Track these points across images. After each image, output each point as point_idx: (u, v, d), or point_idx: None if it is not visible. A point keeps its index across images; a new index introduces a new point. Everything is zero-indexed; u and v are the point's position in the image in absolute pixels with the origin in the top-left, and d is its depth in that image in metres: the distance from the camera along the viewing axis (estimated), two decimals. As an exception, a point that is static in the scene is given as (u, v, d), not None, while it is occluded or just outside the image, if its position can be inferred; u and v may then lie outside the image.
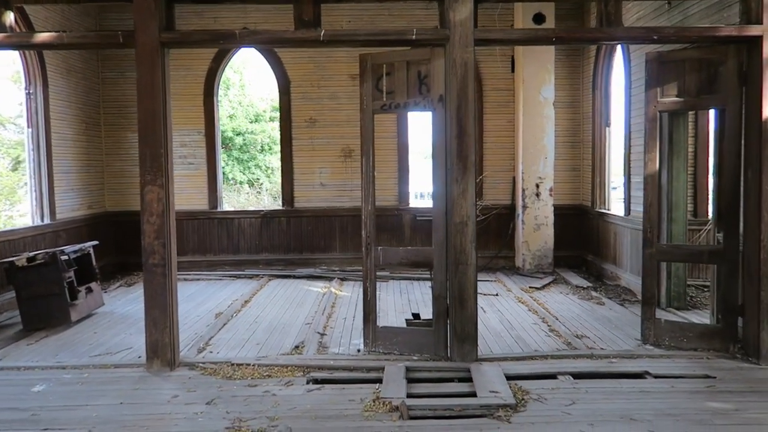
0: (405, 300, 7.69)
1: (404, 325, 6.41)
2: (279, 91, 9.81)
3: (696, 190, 7.71)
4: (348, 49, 9.35)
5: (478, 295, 5.26)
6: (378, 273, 9.26)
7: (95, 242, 7.38)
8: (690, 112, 6.98)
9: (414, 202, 11.30)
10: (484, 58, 9.35)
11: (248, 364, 5.09)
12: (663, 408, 4.13)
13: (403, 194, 9.84)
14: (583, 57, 9.59)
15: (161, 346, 5.04)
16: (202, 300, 7.77)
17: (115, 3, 7.72)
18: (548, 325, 6.29)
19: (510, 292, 8.02)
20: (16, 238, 7.46)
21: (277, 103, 30.16)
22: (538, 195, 9.25)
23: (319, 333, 6.12)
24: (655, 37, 4.97)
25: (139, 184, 5.01)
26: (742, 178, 5.21)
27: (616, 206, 9.13)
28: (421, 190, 17.63)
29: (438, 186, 5.25)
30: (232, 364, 5.10)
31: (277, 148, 29.87)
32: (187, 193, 9.59)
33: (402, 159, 9.82)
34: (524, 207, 9.28)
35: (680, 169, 6.80)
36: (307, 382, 4.75)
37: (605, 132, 9.02)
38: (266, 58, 9.75)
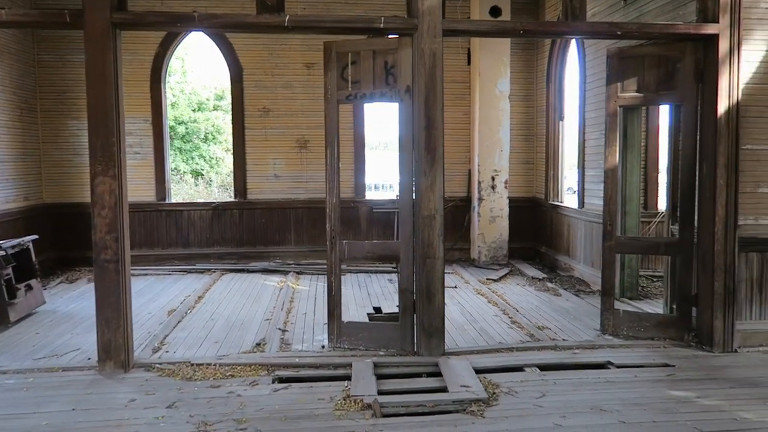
0: (364, 293, 7.59)
1: (365, 320, 6.32)
2: (231, 79, 9.47)
3: (647, 183, 7.95)
4: (303, 36, 9.20)
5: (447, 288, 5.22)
6: (335, 266, 9.16)
7: (35, 236, 6.91)
8: (642, 108, 7.17)
9: (370, 194, 11.20)
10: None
11: (209, 364, 4.87)
12: (629, 398, 4.21)
13: (359, 186, 9.71)
14: (537, 51, 9.71)
15: (114, 347, 4.76)
16: (152, 296, 7.43)
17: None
18: (509, 317, 6.34)
19: (468, 284, 8.05)
20: (-55, 232, 6.91)
21: (221, 92, 29.25)
22: (493, 187, 9.33)
23: (280, 329, 5.94)
24: (619, 33, 5.04)
25: (89, 175, 4.68)
26: (697, 173, 5.37)
27: (569, 199, 9.31)
28: (376, 181, 17.57)
29: (405, 178, 5.17)
30: (192, 364, 4.87)
31: (222, 137, 29.04)
32: (133, 184, 9.06)
33: (358, 151, 9.69)
34: (480, 199, 9.34)
35: (634, 163, 6.98)
36: (273, 381, 4.59)
37: (559, 125, 9.17)
38: (217, 44, 9.38)
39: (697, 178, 5.35)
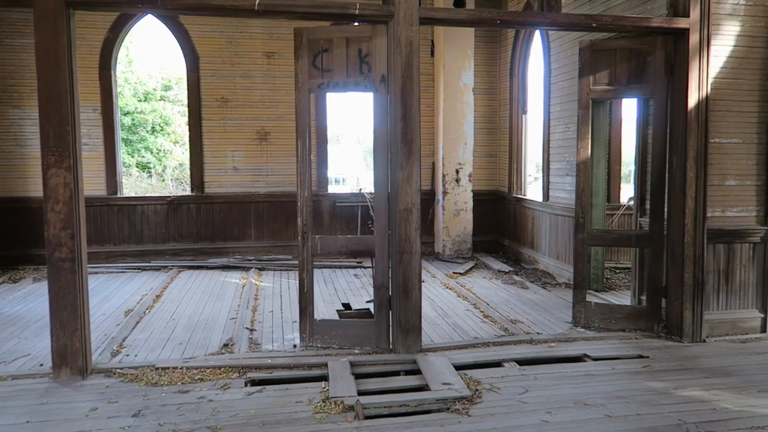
0: (331, 289, 7.40)
1: (335, 316, 6.16)
2: (186, 68, 9.05)
3: (609, 176, 8.06)
4: (264, 24, 8.90)
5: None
6: (296, 262, 8.93)
7: (-25, 234, 6.39)
8: (607, 102, 7.23)
9: (332, 188, 10.98)
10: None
11: (175, 368, 4.59)
12: (610, 391, 4.20)
13: (322, 179, 9.48)
14: (500, 44, 9.70)
15: (71, 352, 4.42)
16: (106, 295, 7.01)
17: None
18: (481, 311, 6.29)
19: (435, 278, 7.98)
20: None
21: (168, 82, 28.20)
22: (458, 181, 9.28)
23: (247, 328, 5.69)
24: (594, 25, 5.02)
25: (41, 167, 4.31)
26: (666, 166, 5.43)
27: (533, 192, 9.36)
28: (337, 175, 17.34)
29: (380, 171, 5.01)
30: (156, 368, 4.58)
31: (170, 128, 28.00)
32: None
33: (320, 143, 9.46)
34: (444, 193, 9.27)
35: (600, 157, 7.04)
36: (245, 384, 4.36)
37: (522, 119, 9.19)
38: (172, 31, 8.94)
39: (667, 171, 5.41)
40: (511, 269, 8.41)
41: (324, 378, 4.44)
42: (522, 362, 4.80)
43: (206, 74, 9.02)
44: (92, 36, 8.58)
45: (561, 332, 5.56)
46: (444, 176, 9.25)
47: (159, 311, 6.35)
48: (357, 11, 4.67)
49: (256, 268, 8.56)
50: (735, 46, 5.25)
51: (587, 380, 4.40)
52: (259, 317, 6.13)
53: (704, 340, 5.30)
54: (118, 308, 6.47)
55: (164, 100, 27.90)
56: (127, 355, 4.97)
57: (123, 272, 8.33)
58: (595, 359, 4.87)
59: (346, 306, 6.62)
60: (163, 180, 22.70)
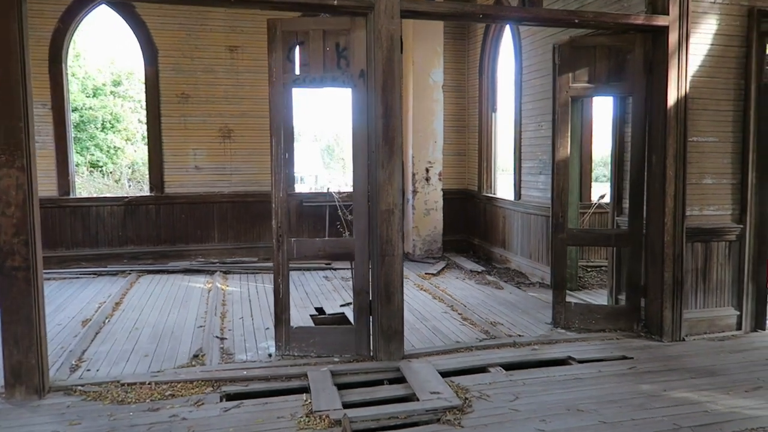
0: (302, 293, 7.14)
1: (309, 322, 5.92)
2: (144, 62, 8.59)
3: (582, 175, 8.05)
4: (226, 17, 8.55)
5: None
6: (267, 264, 8.63)
7: None
8: (581, 100, 7.21)
9: (298, 187, 10.67)
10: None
11: (143, 383, 4.27)
12: (601, 395, 4.11)
13: (288, 179, 9.13)
14: (469, 41, 9.61)
15: (26, 369, 4.04)
16: (60, 304, 6.55)
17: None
18: (459, 314, 6.15)
19: (408, 279, 7.80)
20: None
21: (119, 77, 27.13)
22: (427, 180, 9.14)
23: (218, 337, 5.38)
24: (576, 21, 4.94)
25: (-9, 166, 3.91)
26: (645, 165, 5.40)
27: (504, 190, 9.30)
28: (295, 173, 16.96)
29: (359, 170, 4.79)
30: (122, 384, 4.24)
31: (121, 126, 26.97)
32: (30, 178, 8.08)
33: (286, 140, 9.10)
34: (414, 192, 9.12)
35: (574, 155, 6.99)
36: (221, 399, 4.08)
37: (492, 117, 9.12)
38: (127, 22, 8.47)
39: (646, 169, 5.38)
40: (484, 269, 8.32)
41: (305, 390, 4.20)
42: (508, 366, 4.67)
43: (165, 68, 8.59)
44: (41, 26, 8.04)
45: (542, 334, 5.46)
46: (414, 175, 9.09)
47: (120, 320, 5.96)
48: (336, 2, 4.44)
49: (221, 271, 8.21)
50: (712, 44, 5.26)
51: (576, 384, 4.31)
52: (229, 324, 5.83)
53: (684, 339, 5.29)
54: (74, 318, 6.04)
55: (115, 96, 26.86)
56: (88, 370, 4.60)
57: (78, 278, 7.84)
58: (581, 362, 4.79)
59: (320, 310, 6.38)
60: (118, 180, 21.77)
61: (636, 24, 5.08)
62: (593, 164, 9.21)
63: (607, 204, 7.92)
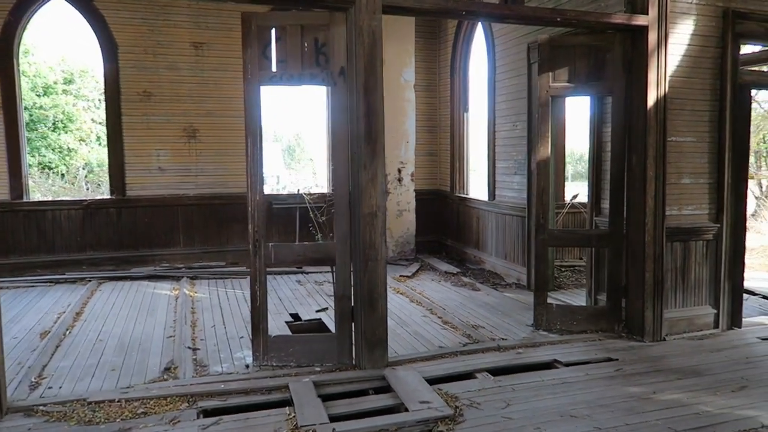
0: (275, 299, 6.89)
1: (285, 329, 5.70)
2: (103, 58, 8.16)
3: (555, 174, 8.04)
4: (190, 12, 8.24)
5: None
6: (236, 269, 8.35)
7: None
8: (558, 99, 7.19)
9: (268, 189, 10.36)
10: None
11: (111, 400, 3.98)
12: (592, 399, 4.04)
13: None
14: (440, 40, 9.52)
15: (-18, 390, 3.71)
16: (14, 315, 6.14)
17: None
18: (439, 317, 6.03)
19: (382, 282, 7.64)
20: None
21: (71, 75, 26.17)
22: (400, 180, 9.01)
23: (190, 348, 5.11)
24: (559, 19, 4.87)
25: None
26: (626, 164, 5.38)
27: (477, 191, 9.23)
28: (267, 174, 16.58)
29: (340, 172, 4.61)
30: (89, 402, 3.95)
31: (74, 126, 26.01)
32: (-20, 180, 7.60)
33: (255, 141, 8.83)
34: (386, 193, 8.96)
35: (550, 155, 6.96)
36: (198, 416, 3.83)
37: (464, 117, 9.05)
38: (84, 16, 8.04)
39: (626, 169, 5.36)
40: (459, 270, 8.24)
41: (287, 402, 4.00)
42: (494, 372, 4.57)
43: (126, 65, 8.19)
44: (-10, 19, 7.56)
45: (525, 337, 5.39)
46: (386, 176, 8.91)
47: (82, 331, 5.61)
48: (314, -4, 4.25)
49: (187, 277, 7.88)
50: (689, 45, 5.27)
51: (566, 389, 4.23)
52: (201, 334, 5.55)
53: (664, 339, 5.30)
54: (31, 329, 5.66)
55: (66, 94, 25.83)
56: (50, 388, 4.27)
57: (33, 287, 7.39)
58: (567, 365, 4.72)
59: (295, 317, 6.16)
60: (71, 183, 20.90)
61: (617, 23, 5.05)
62: (567, 164, 9.25)
63: (580, 203, 7.96)
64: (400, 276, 7.94)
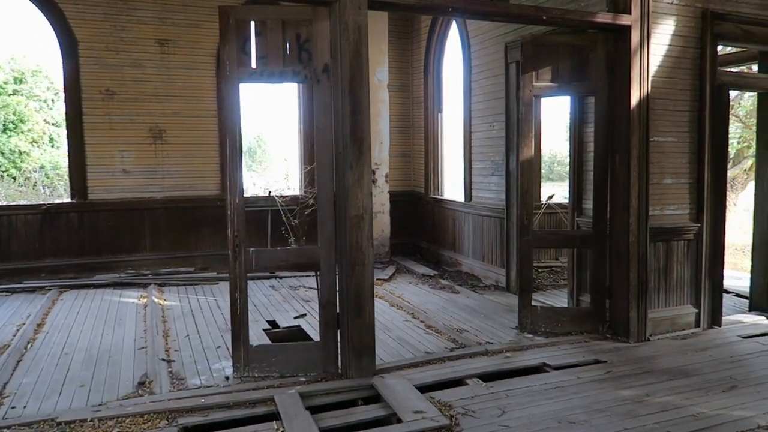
0: (250, 305, 6.56)
1: (263, 337, 5.48)
2: (62, 55, 7.75)
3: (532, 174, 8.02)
4: (155, 8, 7.96)
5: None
6: (206, 275, 8.05)
7: None
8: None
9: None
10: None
11: (84, 420, 3.70)
12: (587, 404, 3.97)
13: (226, 182, 8.55)
14: (413, 40, 9.41)
15: (-62, 414, 3.39)
16: (-31, 329, 5.73)
17: None
18: (422, 321, 5.90)
19: (360, 286, 7.47)
20: None
21: (22, 74, 25.18)
22: (374, 182, 8.84)
23: (164, 360, 4.83)
24: (544, 17, 4.81)
25: None
26: (609, 164, 5.36)
27: (454, 192, 9.15)
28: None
29: (324, 173, 4.43)
30: (58, 423, 3.66)
31: (26, 127, 25.01)
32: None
33: (224, 141, 8.53)
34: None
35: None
36: (179, 434, 3.60)
37: (438, 117, 8.96)
38: (42, 11, 7.62)
39: (609, 169, 5.34)
40: (436, 273, 8.13)
41: (273, 416, 3.80)
42: (485, 377, 4.45)
43: (87, 62, 7.80)
44: (-62, 12, 7.07)
45: (511, 340, 5.31)
46: (372, 176, 8.74)
47: (45, 344, 5.26)
48: (298, -11, 4.06)
49: (155, 283, 7.54)
50: (670, 45, 5.29)
51: (559, 394, 4.14)
52: (174, 344, 5.27)
53: (649, 339, 5.29)
54: (-11, 344, 5.28)
55: (17, 94, 24.75)
56: (14, 408, 3.95)
57: (-12, 297, 6.94)
58: (556, 368, 4.65)
59: (273, 324, 5.93)
60: (31, 186, 19.96)
61: (601, 23, 5.02)
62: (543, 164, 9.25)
63: (556, 204, 7.96)
64: (377, 279, 7.77)
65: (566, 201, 8.95)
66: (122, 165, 8.03)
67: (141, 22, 7.96)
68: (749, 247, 8.59)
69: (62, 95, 7.78)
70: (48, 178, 21.00)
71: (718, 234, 5.63)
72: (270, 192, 9.03)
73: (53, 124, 23.58)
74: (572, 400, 4.03)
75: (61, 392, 4.21)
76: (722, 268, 5.73)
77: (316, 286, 7.35)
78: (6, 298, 6.91)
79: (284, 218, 8.37)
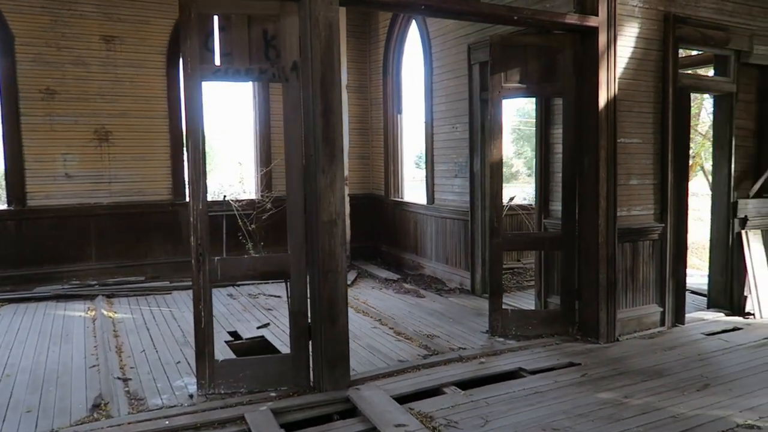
0: (209, 315, 6.30)
1: (225, 350, 5.18)
2: (-4, 50, 7.21)
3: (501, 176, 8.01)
4: (98, 2, 7.47)
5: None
6: (157, 284, 7.65)
7: None
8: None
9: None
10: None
11: (34, 451, 3.36)
12: (569, 409, 3.90)
13: (178, 186, 8.18)
14: (371, 40, 9.26)
15: None
16: None
17: None
18: (390, 328, 5.75)
19: (322, 292, 7.25)
20: None
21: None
22: (333, 184, 8.62)
23: (120, 378, 4.48)
24: (515, 18, 4.75)
25: None
26: (578, 166, 5.36)
27: (413, 194, 9.04)
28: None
29: (294, 176, 4.22)
30: (4, 456, 3.31)
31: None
32: None
33: (176, 144, 8.16)
34: (320, 198, 8.56)
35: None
36: (143, 461, 3.31)
37: (397, 119, 8.84)
38: (-27, 2, 7.06)
39: (578, 171, 5.33)
40: (399, 277, 8.00)
41: (246, 437, 3.55)
42: (462, 385, 4.34)
43: (24, 59, 7.27)
44: None
45: (484, 345, 5.22)
46: (345, 179, 8.52)
47: (-17, 366, 4.82)
48: (265, -19, 3.84)
49: (103, 295, 7.08)
50: (635, 47, 5.34)
51: (539, 399, 4.07)
52: (130, 360, 4.92)
53: (618, 339, 5.32)
54: None
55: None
56: (-50, 440, 3.57)
57: None
58: (532, 372, 4.58)
59: (235, 335, 5.64)
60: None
61: (569, 24, 5.01)
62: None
63: (518, 206, 7.97)
64: (340, 285, 7.57)
65: (526, 202, 9.04)
66: (65, 169, 7.52)
67: (84, 17, 7.49)
68: (694, 246, 8.88)
69: (-4, 94, 7.23)
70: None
71: (681, 234, 5.73)
72: (225, 196, 8.69)
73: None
74: (553, 405, 3.97)
75: (5, 419, 3.83)
76: (685, 267, 5.84)
77: (276, 294, 7.18)
78: (-65, 315, 6.33)
79: (241, 223, 8.08)
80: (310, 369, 4.28)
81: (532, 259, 7.95)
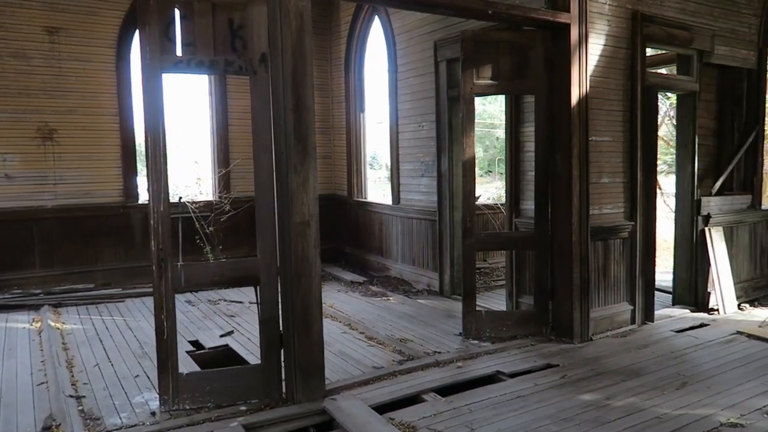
0: (167, 324, 5.93)
1: (187, 360, 4.85)
2: (-75, 40, 6.62)
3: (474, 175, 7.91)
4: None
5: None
6: (109, 291, 7.21)
7: None
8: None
9: (144, 198, 9.15)
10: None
11: (-24, 483, 3.00)
12: (553, 413, 3.80)
13: (130, 188, 7.72)
14: (332, 36, 9.03)
15: None
16: None
17: None
18: (361, 333, 5.55)
19: (286, 296, 6.98)
20: None
21: None
22: (295, 185, 8.35)
23: (72, 396, 4.11)
24: (490, 12, 4.62)
25: None
26: (550, 164, 5.29)
27: (377, 194, 8.86)
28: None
29: (263, 175, 3.97)
30: (-58, 491, 2.94)
31: None
32: None
33: (127, 143, 7.70)
34: (281, 199, 8.27)
35: (458, 155, 6.78)
36: (104, 489, 3.00)
37: (360, 117, 8.64)
38: None
39: (551, 169, 5.27)
40: (365, 279, 7.81)
41: (216, 457, 3.29)
42: (441, 391, 4.19)
43: (-42, 51, 6.71)
44: None
45: (459, 348, 5.09)
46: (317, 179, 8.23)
47: None
48: (231, -33, 3.58)
49: (49, 304, 6.60)
50: (605, 45, 5.32)
51: (522, 404, 3.95)
52: (82, 376, 4.54)
53: (591, 339, 5.28)
54: None
55: None
56: None
57: None
58: (511, 375, 4.48)
59: (197, 344, 5.32)
60: None
61: (543, 19, 4.94)
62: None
63: (484, 205, 7.90)
64: (304, 289, 7.31)
65: (490, 201, 8.99)
66: (4, 170, 6.98)
67: (25, 6, 6.97)
68: (666, 244, 9.03)
69: (-75, 89, 6.63)
70: None
71: (650, 231, 5.75)
72: (181, 198, 8.28)
73: None
74: (537, 410, 3.85)
75: (-58, 448, 3.43)
76: (654, 265, 5.87)
77: (238, 300, 6.86)
78: None
79: (198, 226, 7.72)
80: (282, 380, 4.04)
81: (498, 258, 7.92)
